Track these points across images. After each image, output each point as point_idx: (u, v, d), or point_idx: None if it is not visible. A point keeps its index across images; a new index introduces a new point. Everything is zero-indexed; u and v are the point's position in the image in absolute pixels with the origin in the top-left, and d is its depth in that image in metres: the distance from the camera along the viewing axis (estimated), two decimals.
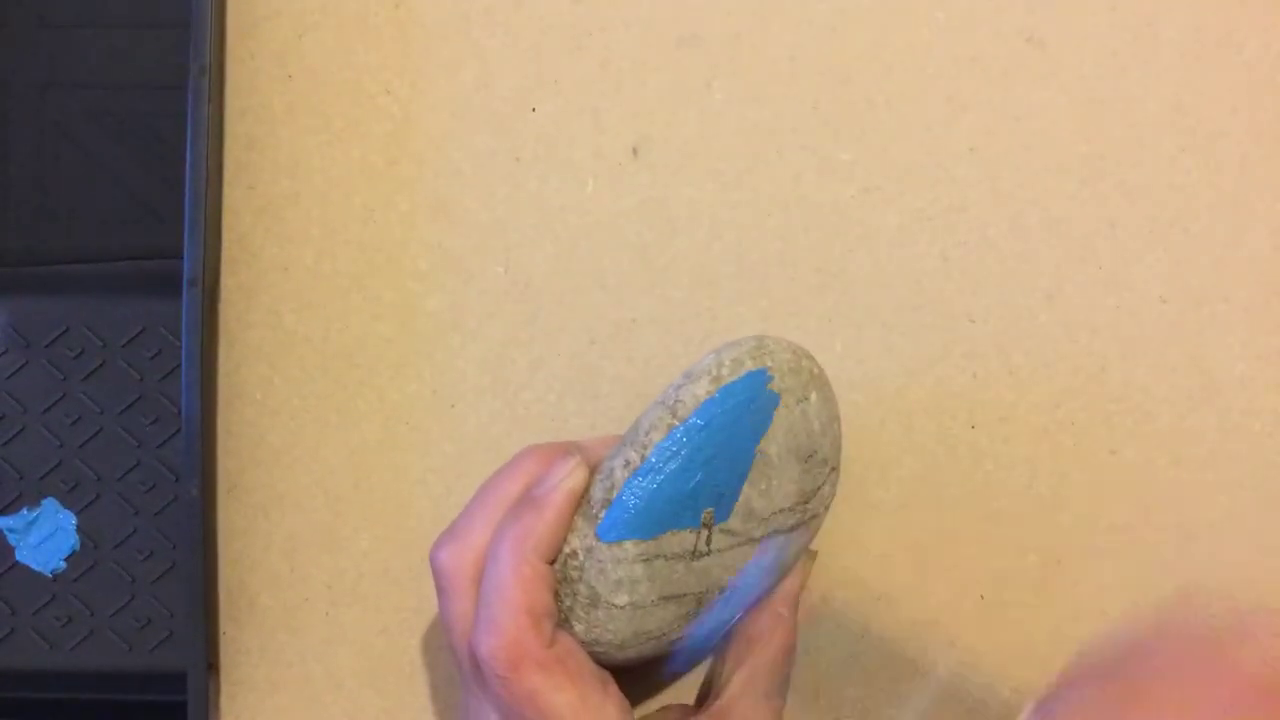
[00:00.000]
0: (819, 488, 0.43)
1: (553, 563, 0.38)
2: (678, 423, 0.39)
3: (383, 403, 0.49)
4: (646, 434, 0.39)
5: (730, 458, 0.39)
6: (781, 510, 0.41)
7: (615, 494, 0.38)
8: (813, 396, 0.41)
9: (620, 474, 0.39)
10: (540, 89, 0.50)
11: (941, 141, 0.49)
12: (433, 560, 0.39)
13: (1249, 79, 0.49)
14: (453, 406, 0.49)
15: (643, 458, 0.38)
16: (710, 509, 0.39)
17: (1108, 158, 0.49)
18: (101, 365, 0.49)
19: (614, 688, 0.39)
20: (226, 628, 0.49)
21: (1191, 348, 0.49)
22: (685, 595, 0.40)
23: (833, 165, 0.49)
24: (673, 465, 0.38)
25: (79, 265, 0.50)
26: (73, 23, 0.50)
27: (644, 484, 0.38)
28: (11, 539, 0.49)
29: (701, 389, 0.39)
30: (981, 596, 0.49)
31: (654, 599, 0.39)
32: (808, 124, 0.49)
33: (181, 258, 0.45)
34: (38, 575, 0.49)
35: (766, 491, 0.40)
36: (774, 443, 0.40)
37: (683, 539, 0.39)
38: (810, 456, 0.42)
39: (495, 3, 0.50)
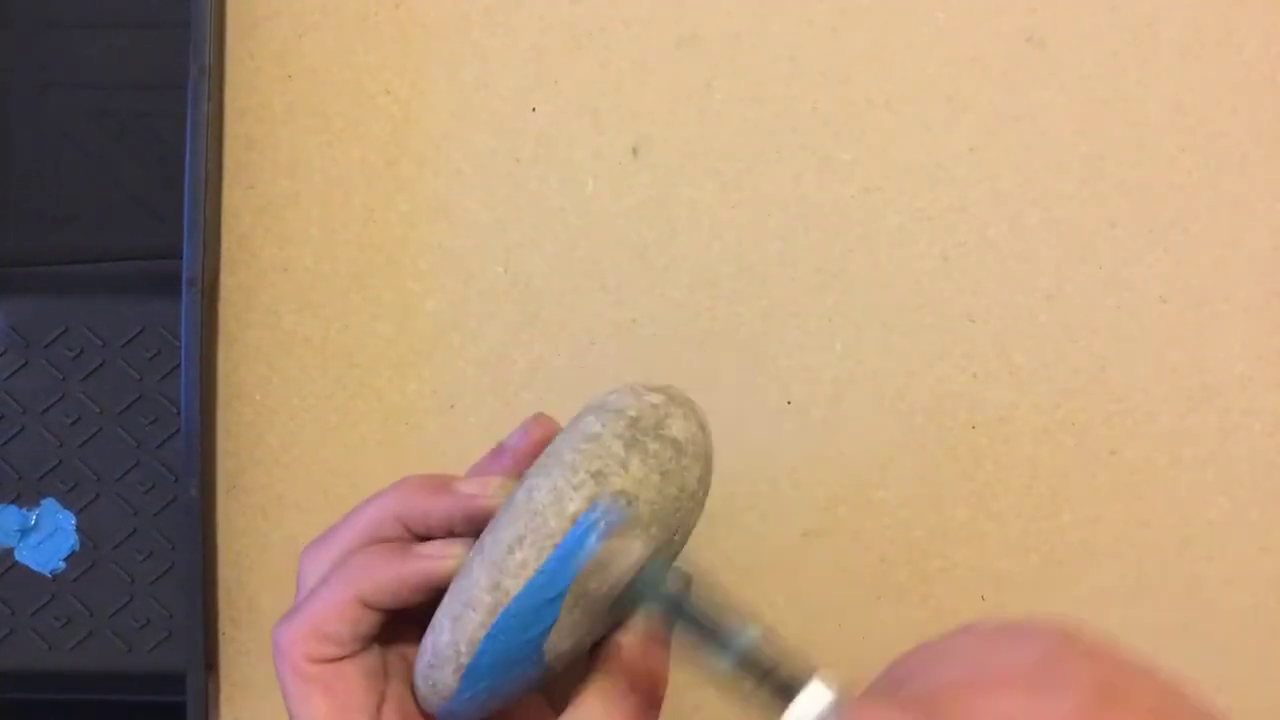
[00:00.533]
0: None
1: (377, 609, 0.38)
2: (466, 661, 0.35)
3: (382, 403, 0.49)
4: (439, 670, 0.36)
5: (538, 626, 0.35)
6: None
7: (441, 705, 0.37)
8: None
9: (434, 701, 0.37)
10: (540, 89, 0.50)
11: (941, 141, 0.49)
12: (300, 559, 0.40)
13: (1249, 79, 0.49)
14: (452, 407, 0.49)
15: (452, 691, 0.36)
16: (539, 657, 0.36)
17: (1108, 158, 0.49)
18: (101, 365, 0.49)
19: None
20: (226, 628, 0.49)
21: (1191, 348, 0.49)
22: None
23: (833, 165, 0.49)
24: (480, 685, 0.36)
25: (79, 265, 0.50)
26: (73, 23, 0.50)
27: (458, 706, 0.37)
28: (11, 539, 0.49)
29: (478, 626, 0.35)
30: (982, 597, 0.49)
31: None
32: (808, 124, 0.49)
33: (181, 258, 0.45)
34: (37, 575, 0.49)
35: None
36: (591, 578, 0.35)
37: (527, 678, 0.37)
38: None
39: (495, 3, 0.50)
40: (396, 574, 0.37)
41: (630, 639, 0.38)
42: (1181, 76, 0.49)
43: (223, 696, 0.49)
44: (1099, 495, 0.49)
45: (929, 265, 0.49)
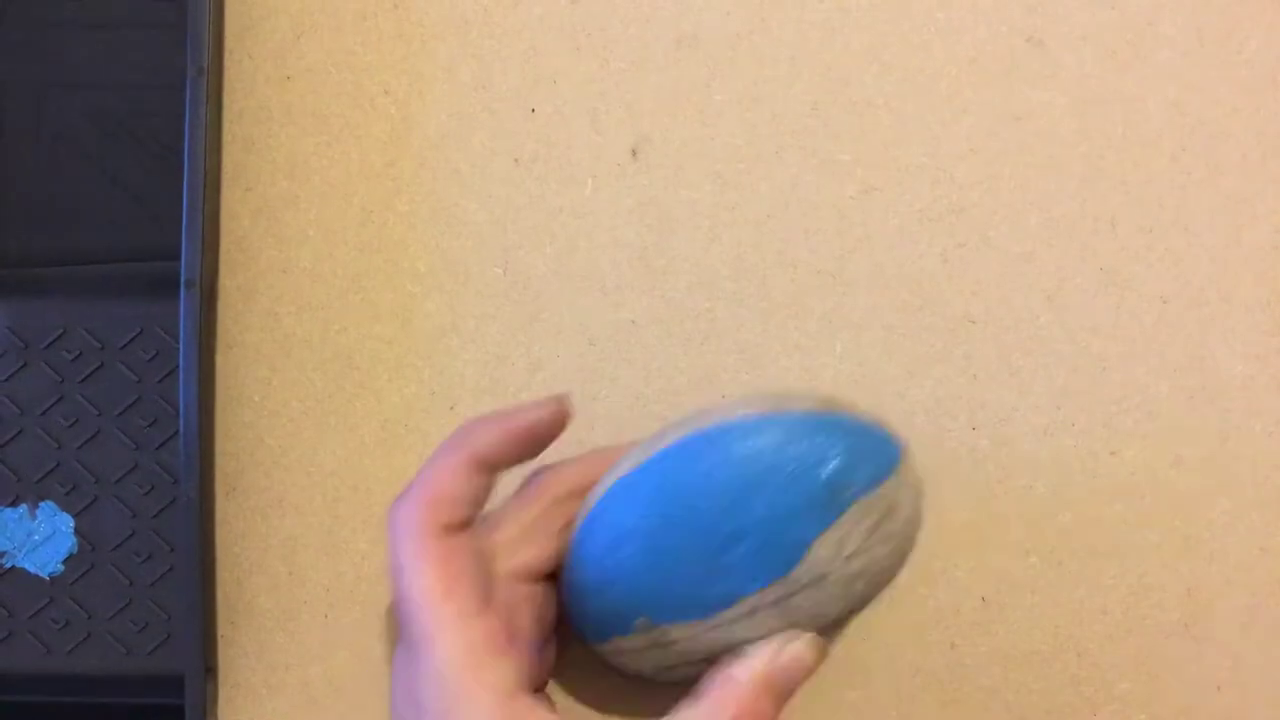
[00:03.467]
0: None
1: (491, 471, 0.38)
2: (609, 485, 0.38)
3: (381, 404, 0.49)
4: (585, 504, 0.38)
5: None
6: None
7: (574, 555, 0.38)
8: None
9: (575, 546, 0.38)
10: (539, 89, 0.50)
11: (941, 141, 0.49)
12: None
13: (1249, 79, 0.49)
14: (451, 408, 0.49)
15: (582, 527, 0.38)
16: (643, 617, 0.37)
17: (1108, 158, 0.49)
18: (99, 367, 0.49)
19: (491, 617, 0.36)
20: (224, 631, 0.49)
21: (1191, 348, 0.49)
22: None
23: (833, 165, 0.49)
24: (614, 531, 0.37)
25: (77, 267, 0.50)
26: (72, 23, 0.50)
27: (586, 563, 0.38)
28: (9, 542, 0.49)
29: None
30: (983, 599, 0.49)
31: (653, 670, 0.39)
32: (807, 124, 0.49)
33: (179, 259, 0.45)
34: (35, 578, 0.49)
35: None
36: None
37: (630, 641, 0.38)
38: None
39: (494, 3, 0.50)
40: (507, 427, 0.38)
41: (744, 674, 0.36)
42: (1181, 76, 0.49)
43: (222, 699, 0.49)
44: (1099, 495, 0.49)
45: (929, 266, 0.49)
